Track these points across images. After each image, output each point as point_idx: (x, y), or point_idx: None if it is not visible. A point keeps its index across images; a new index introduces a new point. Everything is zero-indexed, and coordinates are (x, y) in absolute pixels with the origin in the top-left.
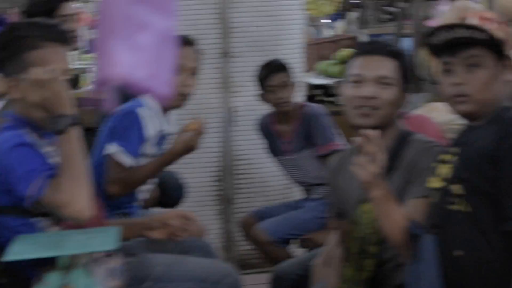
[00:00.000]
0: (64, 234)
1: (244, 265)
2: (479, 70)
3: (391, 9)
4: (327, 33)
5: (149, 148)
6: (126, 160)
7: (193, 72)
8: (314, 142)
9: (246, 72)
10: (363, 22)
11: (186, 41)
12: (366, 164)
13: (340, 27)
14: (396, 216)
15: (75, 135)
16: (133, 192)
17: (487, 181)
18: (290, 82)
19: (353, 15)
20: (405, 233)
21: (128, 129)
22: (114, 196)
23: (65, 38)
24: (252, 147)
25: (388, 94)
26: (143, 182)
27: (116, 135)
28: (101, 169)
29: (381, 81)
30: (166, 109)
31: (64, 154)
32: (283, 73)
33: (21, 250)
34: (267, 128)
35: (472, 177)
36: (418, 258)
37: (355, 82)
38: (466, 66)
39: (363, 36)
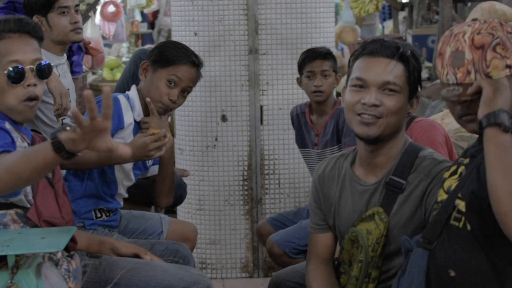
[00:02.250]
0: (18, 232)
1: (271, 267)
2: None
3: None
4: (375, 33)
5: (127, 136)
6: None
7: (184, 90)
8: (341, 140)
9: (274, 69)
10: (410, 22)
11: (195, 63)
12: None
13: (389, 27)
14: None
15: None
16: (114, 184)
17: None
18: (331, 74)
19: (401, 14)
20: None
21: None
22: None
23: (33, 30)
24: (280, 146)
25: (392, 102)
26: (91, 164)
27: None
28: None
29: (385, 87)
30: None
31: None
32: (326, 61)
33: None
34: (299, 117)
35: (475, 196)
36: (408, 272)
37: (357, 86)
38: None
39: (408, 37)
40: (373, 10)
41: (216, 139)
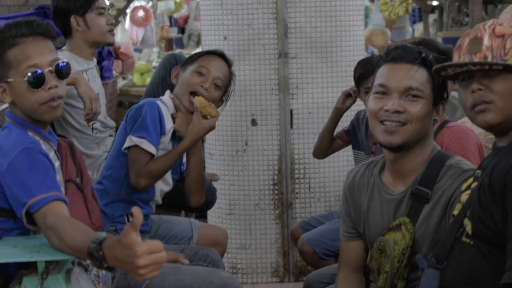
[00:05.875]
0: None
1: (302, 272)
2: (499, 76)
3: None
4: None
5: (167, 142)
6: (151, 149)
7: (216, 83)
8: None
9: (304, 73)
10: (440, 25)
11: (222, 55)
12: None
13: (419, 29)
14: None
15: None
16: (152, 190)
17: (494, 222)
18: None
19: (431, 17)
20: None
21: (150, 120)
22: (141, 189)
23: (45, 31)
24: (311, 150)
25: (416, 108)
26: (167, 170)
27: (138, 127)
28: (120, 163)
29: (408, 93)
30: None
31: None
32: None
33: None
34: (364, 121)
35: (482, 216)
36: None
37: (379, 93)
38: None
39: (438, 39)
40: (403, 13)
41: (246, 144)
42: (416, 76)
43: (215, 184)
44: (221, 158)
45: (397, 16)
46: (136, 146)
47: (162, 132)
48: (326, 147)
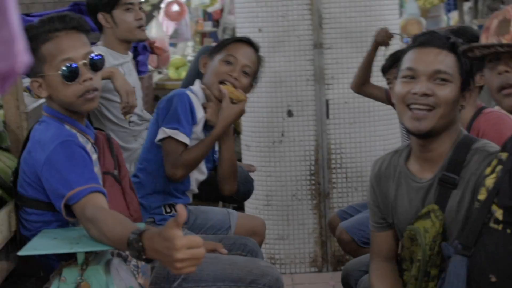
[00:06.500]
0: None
1: (340, 261)
2: None
3: None
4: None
5: (199, 131)
6: (185, 139)
7: (245, 70)
8: None
9: (339, 63)
10: (476, 13)
11: (249, 42)
12: None
13: (454, 18)
14: None
15: None
16: (187, 180)
17: None
18: None
19: (466, 5)
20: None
21: (181, 110)
22: (177, 180)
23: (78, 25)
24: (347, 140)
25: (444, 92)
26: (201, 159)
27: (169, 118)
28: (154, 156)
29: (437, 77)
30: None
31: None
32: None
33: (38, 245)
34: None
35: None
36: (448, 282)
37: (407, 77)
38: None
39: (474, 27)
40: (438, 2)
41: (282, 135)
42: (444, 60)
43: (252, 175)
44: (257, 150)
45: (432, 5)
46: (169, 137)
47: (193, 122)
48: (362, 80)
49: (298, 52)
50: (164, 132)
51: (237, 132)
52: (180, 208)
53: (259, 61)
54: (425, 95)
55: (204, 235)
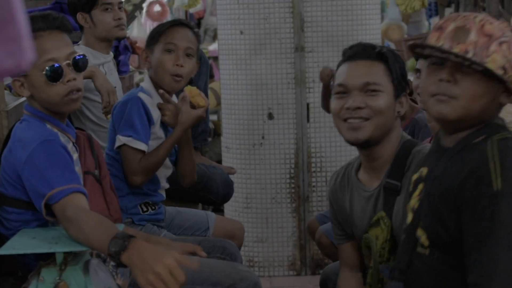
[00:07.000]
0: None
1: (318, 265)
2: (473, 74)
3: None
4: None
5: (158, 130)
6: (141, 146)
7: (187, 53)
8: None
9: (320, 67)
10: None
11: (181, 23)
12: None
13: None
14: None
15: None
16: (156, 179)
17: (449, 234)
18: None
19: (448, 11)
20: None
21: (135, 116)
22: (138, 186)
23: (61, 24)
24: (327, 144)
25: (377, 102)
26: (161, 163)
27: (123, 125)
28: (116, 161)
29: (367, 89)
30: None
31: None
32: None
33: (17, 244)
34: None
35: (435, 227)
36: None
37: (340, 93)
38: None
39: None
40: (419, 7)
41: (262, 137)
42: (373, 71)
43: (232, 178)
44: (237, 152)
45: (413, 10)
46: (126, 145)
47: (151, 123)
48: (327, 103)
49: (279, 55)
50: (119, 140)
51: (217, 134)
52: (198, 250)
53: (197, 38)
54: (358, 108)
55: (183, 237)
